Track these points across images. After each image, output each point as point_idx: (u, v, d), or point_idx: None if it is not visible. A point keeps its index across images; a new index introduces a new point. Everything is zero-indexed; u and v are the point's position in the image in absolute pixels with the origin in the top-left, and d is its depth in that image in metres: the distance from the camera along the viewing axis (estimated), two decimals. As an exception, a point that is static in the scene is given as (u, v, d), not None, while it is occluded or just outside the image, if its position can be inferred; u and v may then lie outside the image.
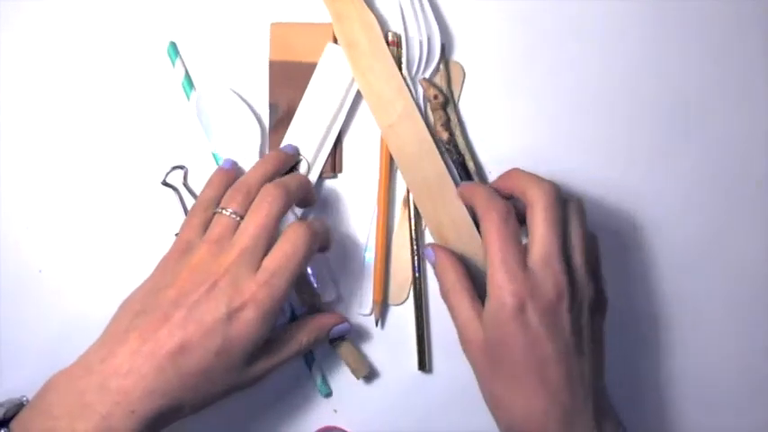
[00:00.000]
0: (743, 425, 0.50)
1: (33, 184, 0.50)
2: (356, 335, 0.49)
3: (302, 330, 0.45)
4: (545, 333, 0.39)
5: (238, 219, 0.42)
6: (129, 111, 0.50)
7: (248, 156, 0.49)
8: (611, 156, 0.50)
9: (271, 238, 0.42)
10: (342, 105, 0.49)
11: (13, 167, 0.50)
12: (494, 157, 0.50)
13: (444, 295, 0.44)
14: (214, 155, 0.49)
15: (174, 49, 0.50)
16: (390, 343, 0.49)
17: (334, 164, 0.50)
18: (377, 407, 0.49)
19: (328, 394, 0.49)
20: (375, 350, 0.50)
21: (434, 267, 0.45)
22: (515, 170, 0.44)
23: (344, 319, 0.47)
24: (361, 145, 0.50)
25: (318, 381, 0.49)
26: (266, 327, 0.40)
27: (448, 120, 0.49)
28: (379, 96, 0.48)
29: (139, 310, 0.40)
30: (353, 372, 0.48)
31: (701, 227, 0.50)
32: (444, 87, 0.49)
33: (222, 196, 0.44)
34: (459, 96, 0.50)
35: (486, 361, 0.41)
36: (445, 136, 0.48)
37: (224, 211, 0.42)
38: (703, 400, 0.50)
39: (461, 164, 0.49)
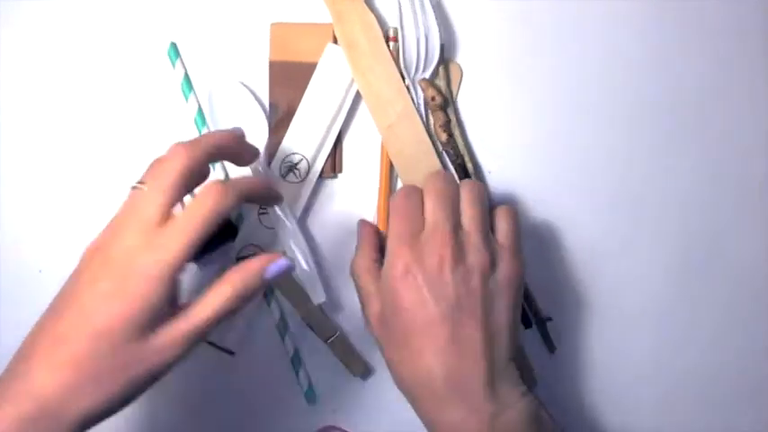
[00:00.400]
0: (743, 425, 0.50)
1: (33, 184, 0.50)
2: (356, 334, 0.49)
3: (224, 281, 0.37)
4: (428, 294, 0.41)
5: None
6: (130, 111, 0.50)
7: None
8: (611, 156, 0.51)
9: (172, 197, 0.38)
10: (342, 105, 0.49)
11: (14, 167, 0.50)
12: (493, 157, 0.50)
13: (352, 271, 0.45)
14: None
15: (174, 49, 0.50)
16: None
17: (334, 164, 0.50)
18: (377, 407, 0.49)
19: (314, 400, 0.49)
20: (375, 350, 0.49)
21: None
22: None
23: (279, 256, 0.39)
24: (361, 145, 0.50)
25: (305, 387, 0.49)
26: (157, 286, 0.35)
27: (447, 121, 0.49)
28: (378, 97, 0.48)
29: None
30: (349, 369, 0.48)
31: (701, 227, 0.50)
32: (444, 88, 0.49)
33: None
34: (456, 96, 0.50)
35: (383, 329, 0.43)
36: (444, 137, 0.48)
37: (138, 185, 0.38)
38: (703, 400, 0.50)
39: (460, 165, 0.49)
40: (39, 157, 0.50)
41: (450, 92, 0.50)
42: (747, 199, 0.51)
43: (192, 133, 0.50)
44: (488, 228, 0.43)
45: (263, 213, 0.49)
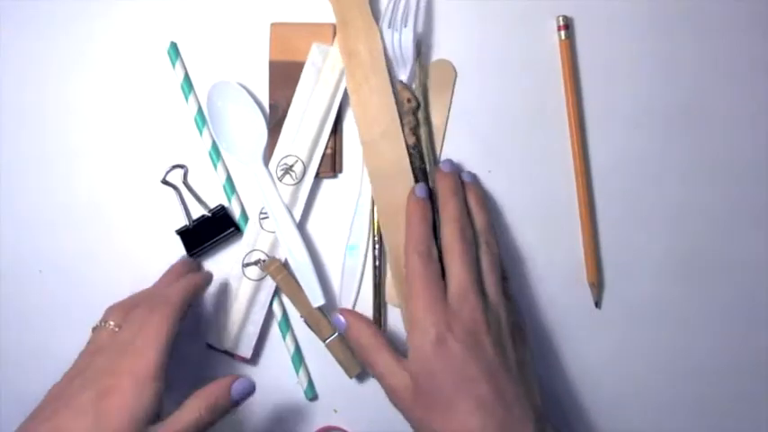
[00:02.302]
0: (743, 425, 0.50)
1: (33, 184, 0.50)
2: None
3: (198, 398, 0.41)
4: (469, 356, 0.41)
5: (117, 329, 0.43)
6: (130, 110, 0.51)
7: (253, 154, 0.49)
8: (611, 156, 0.51)
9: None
10: (331, 105, 0.49)
11: (14, 167, 0.51)
12: (482, 158, 0.50)
13: (362, 357, 0.45)
14: (210, 153, 0.50)
15: (174, 49, 0.50)
16: (391, 343, 0.49)
17: (333, 164, 0.50)
18: (377, 407, 0.49)
19: (314, 398, 0.49)
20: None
21: (345, 333, 0.46)
22: (442, 176, 0.47)
23: (240, 377, 0.43)
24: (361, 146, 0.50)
25: (305, 384, 0.49)
26: (144, 394, 0.39)
27: (417, 124, 0.48)
28: (365, 110, 0.48)
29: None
30: (345, 370, 0.48)
31: (702, 227, 0.50)
32: (418, 89, 0.49)
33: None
34: (451, 97, 0.50)
35: (416, 402, 0.42)
36: (412, 141, 0.48)
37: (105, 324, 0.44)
38: (703, 401, 0.50)
39: (422, 170, 0.48)
40: (39, 157, 0.50)
41: (425, 93, 0.49)
42: (748, 199, 0.50)
43: (192, 133, 0.50)
44: (499, 262, 0.46)
45: (265, 218, 0.49)
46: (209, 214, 0.49)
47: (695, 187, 0.50)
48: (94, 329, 0.44)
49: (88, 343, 0.44)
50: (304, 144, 0.49)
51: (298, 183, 0.49)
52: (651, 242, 0.50)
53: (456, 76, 0.50)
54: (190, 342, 0.49)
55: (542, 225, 0.50)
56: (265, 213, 0.49)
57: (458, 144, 0.50)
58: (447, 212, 0.45)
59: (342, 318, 0.46)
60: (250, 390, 0.43)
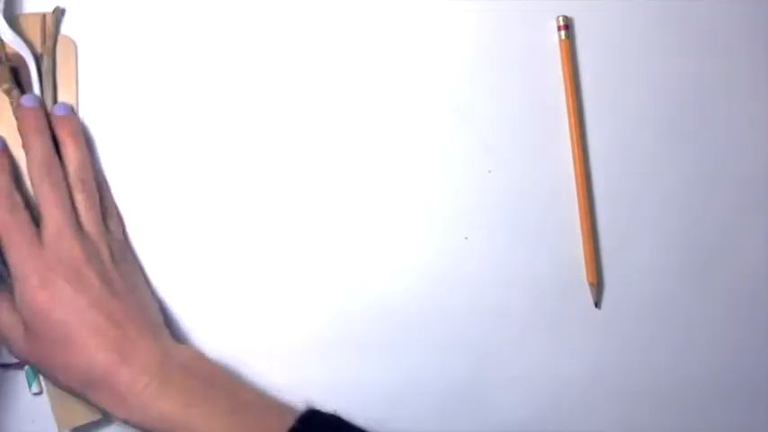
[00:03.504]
0: (743, 425, 0.50)
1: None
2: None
3: None
4: (75, 290, 0.42)
5: None
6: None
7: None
8: (611, 156, 0.51)
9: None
10: None
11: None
12: (482, 158, 0.50)
13: None
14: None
15: None
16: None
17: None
18: (376, 407, 0.49)
19: (38, 393, 0.47)
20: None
21: None
22: (23, 114, 0.45)
23: None
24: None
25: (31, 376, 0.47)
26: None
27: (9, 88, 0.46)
28: None
29: None
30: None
31: (702, 227, 0.51)
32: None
33: None
34: (76, 75, 0.48)
35: (34, 344, 0.42)
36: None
37: None
38: (703, 401, 0.50)
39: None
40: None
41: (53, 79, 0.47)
42: (748, 199, 0.51)
43: None
44: (97, 198, 0.46)
45: None
46: None
47: (695, 187, 0.51)
48: None
49: None
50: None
51: None
52: (651, 242, 0.50)
53: (77, 50, 0.48)
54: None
55: (542, 225, 0.50)
56: None
57: (458, 144, 0.50)
58: (32, 155, 0.45)
59: None
60: None
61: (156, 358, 0.42)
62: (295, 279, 0.48)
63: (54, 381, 0.43)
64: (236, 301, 0.48)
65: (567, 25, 0.51)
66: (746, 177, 0.51)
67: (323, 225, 0.49)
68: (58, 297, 0.42)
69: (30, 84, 0.47)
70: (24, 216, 0.44)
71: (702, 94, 0.51)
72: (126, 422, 0.42)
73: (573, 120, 0.50)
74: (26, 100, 0.46)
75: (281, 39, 0.50)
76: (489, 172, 0.50)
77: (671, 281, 0.50)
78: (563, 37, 0.50)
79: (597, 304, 0.50)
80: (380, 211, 0.49)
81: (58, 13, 0.48)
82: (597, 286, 0.50)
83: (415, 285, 0.49)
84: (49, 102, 0.47)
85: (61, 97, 0.48)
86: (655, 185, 0.50)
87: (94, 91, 0.49)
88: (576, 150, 0.50)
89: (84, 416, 0.46)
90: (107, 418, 0.46)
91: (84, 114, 0.48)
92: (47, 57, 0.47)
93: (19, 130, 0.45)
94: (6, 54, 0.47)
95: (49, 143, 0.45)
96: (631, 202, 0.50)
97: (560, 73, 0.50)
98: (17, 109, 0.46)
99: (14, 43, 0.47)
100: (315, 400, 0.47)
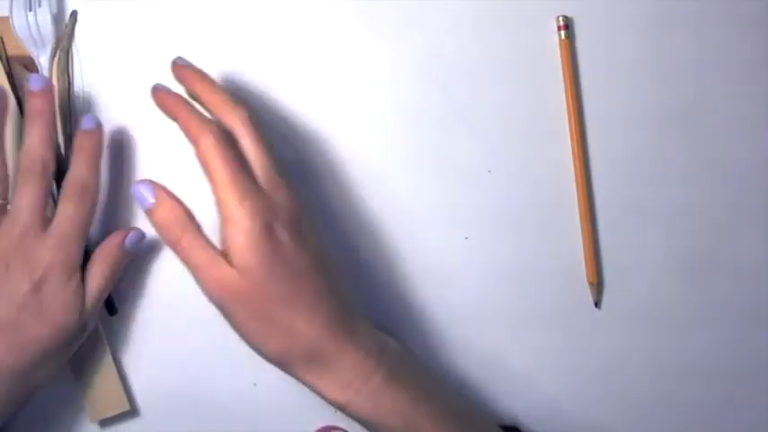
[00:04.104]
0: (743, 425, 0.50)
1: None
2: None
3: (98, 263, 0.43)
4: (297, 245, 0.38)
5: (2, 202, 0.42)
6: None
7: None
8: (611, 156, 0.51)
9: (43, 207, 0.42)
10: None
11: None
12: (482, 158, 0.50)
13: (173, 242, 0.40)
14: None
15: None
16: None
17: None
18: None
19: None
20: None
21: (150, 211, 0.41)
22: (203, 80, 0.42)
23: (131, 228, 0.45)
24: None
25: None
26: (74, 282, 0.41)
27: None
28: None
29: None
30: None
31: (701, 227, 0.50)
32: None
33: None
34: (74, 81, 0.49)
35: (250, 298, 0.38)
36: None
37: None
38: (703, 401, 0.50)
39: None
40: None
41: (69, 75, 0.48)
42: (748, 199, 0.51)
43: None
44: None
45: None
46: None
47: (695, 187, 0.50)
48: None
49: None
50: None
51: None
52: (651, 242, 0.50)
53: (76, 20, 0.49)
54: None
55: (542, 225, 0.50)
56: None
57: (458, 144, 0.50)
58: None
59: (148, 189, 0.41)
60: (141, 237, 0.45)
61: (375, 340, 0.39)
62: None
63: (258, 343, 0.39)
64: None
65: (567, 25, 0.51)
66: (747, 177, 0.51)
67: (323, 225, 0.49)
68: (282, 251, 0.37)
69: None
70: (238, 149, 0.39)
71: (703, 94, 0.51)
72: (342, 408, 0.38)
73: (573, 120, 0.50)
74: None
75: (279, 40, 0.50)
76: (489, 172, 0.50)
77: (671, 281, 0.50)
78: (563, 37, 0.50)
79: (597, 304, 0.50)
80: (380, 211, 0.49)
81: (76, 15, 0.49)
82: (597, 286, 0.50)
83: (414, 285, 0.49)
84: (63, 99, 0.47)
85: (63, 98, 0.48)
86: (655, 185, 0.50)
87: (92, 92, 0.49)
88: (575, 150, 0.50)
89: (114, 406, 0.46)
90: (135, 410, 0.46)
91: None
92: (62, 53, 0.48)
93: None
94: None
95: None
96: (631, 202, 0.50)
97: (560, 73, 0.50)
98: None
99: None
100: (314, 400, 0.48)
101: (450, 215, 0.50)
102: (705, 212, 0.50)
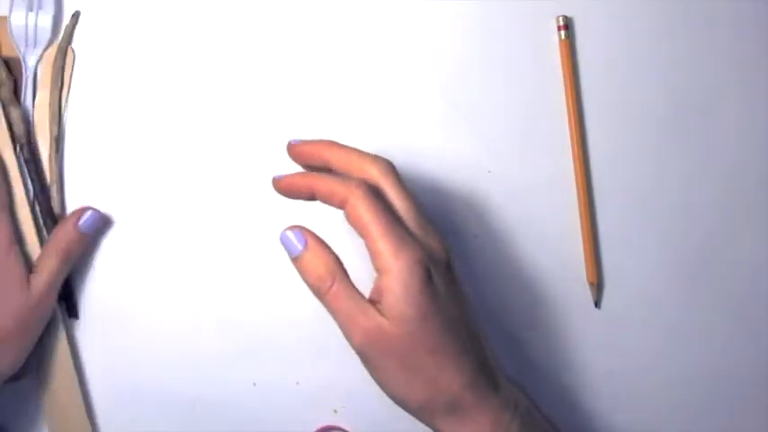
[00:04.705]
0: (743, 425, 0.50)
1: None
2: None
3: (50, 254, 0.44)
4: (449, 293, 0.37)
5: None
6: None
7: None
8: (611, 156, 0.51)
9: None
10: None
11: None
12: (482, 158, 0.50)
13: (320, 292, 0.38)
14: None
15: None
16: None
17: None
18: (377, 407, 0.49)
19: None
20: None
21: (299, 259, 0.38)
22: (332, 146, 0.40)
23: (84, 209, 0.45)
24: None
25: None
26: (12, 254, 0.42)
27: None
28: None
29: None
30: None
31: (701, 227, 0.50)
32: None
33: None
34: (69, 82, 0.49)
35: (396, 348, 0.36)
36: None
37: None
38: (704, 401, 0.50)
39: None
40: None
41: (63, 75, 0.48)
42: (748, 199, 0.51)
43: None
44: None
45: None
46: None
47: (695, 187, 0.51)
48: None
49: None
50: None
51: None
52: (651, 242, 0.50)
53: (75, 59, 0.49)
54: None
55: (542, 225, 0.50)
56: None
57: (458, 144, 0.50)
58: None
59: (298, 236, 0.38)
60: (97, 218, 0.45)
61: (511, 392, 0.38)
62: (295, 279, 0.48)
63: (402, 394, 0.38)
64: (236, 301, 0.48)
65: (567, 25, 0.51)
66: (747, 177, 0.51)
67: (323, 225, 0.49)
68: (438, 300, 0.36)
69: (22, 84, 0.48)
70: (387, 203, 0.38)
71: (703, 94, 0.51)
72: None
73: (573, 120, 0.50)
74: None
75: (278, 39, 0.50)
76: (489, 172, 0.50)
77: (671, 281, 0.50)
78: (563, 37, 0.50)
79: (597, 304, 0.50)
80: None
81: (78, 16, 0.49)
82: (597, 286, 0.50)
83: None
84: (54, 98, 0.48)
85: (54, 98, 0.48)
86: (655, 185, 0.50)
87: (90, 94, 0.49)
88: (576, 150, 0.50)
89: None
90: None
91: (78, 118, 0.49)
92: (58, 53, 0.48)
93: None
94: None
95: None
96: (631, 202, 0.50)
97: (560, 73, 0.50)
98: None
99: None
100: (314, 400, 0.48)
101: (450, 215, 0.50)
102: (705, 212, 0.50)
